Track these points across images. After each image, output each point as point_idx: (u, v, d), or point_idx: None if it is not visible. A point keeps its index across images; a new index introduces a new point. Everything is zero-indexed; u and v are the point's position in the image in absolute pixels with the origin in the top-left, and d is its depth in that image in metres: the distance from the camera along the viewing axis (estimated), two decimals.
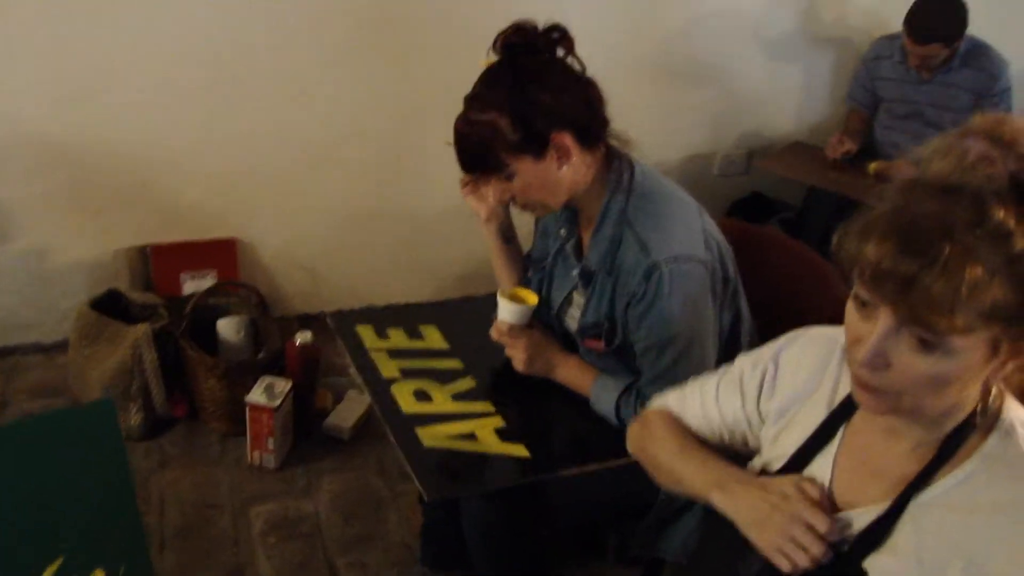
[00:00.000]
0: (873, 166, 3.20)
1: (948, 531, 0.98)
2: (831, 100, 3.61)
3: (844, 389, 1.12)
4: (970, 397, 0.96)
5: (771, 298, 1.75)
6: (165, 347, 2.43)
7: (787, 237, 1.98)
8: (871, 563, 1.02)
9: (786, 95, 3.54)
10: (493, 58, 1.51)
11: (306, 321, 2.93)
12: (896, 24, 3.15)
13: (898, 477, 1.03)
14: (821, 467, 1.11)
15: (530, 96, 1.46)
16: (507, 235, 1.84)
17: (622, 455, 1.40)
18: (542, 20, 1.52)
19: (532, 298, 1.72)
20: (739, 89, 3.42)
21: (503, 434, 1.59)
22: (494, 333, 1.72)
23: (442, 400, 1.67)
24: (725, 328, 1.62)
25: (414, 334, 1.87)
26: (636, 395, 1.60)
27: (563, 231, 1.71)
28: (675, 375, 1.52)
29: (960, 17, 2.99)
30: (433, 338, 1.86)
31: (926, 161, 0.91)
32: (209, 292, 2.51)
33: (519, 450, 1.55)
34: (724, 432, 1.27)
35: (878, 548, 1.02)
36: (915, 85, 3.21)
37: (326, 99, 2.78)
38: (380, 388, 1.69)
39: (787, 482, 1.10)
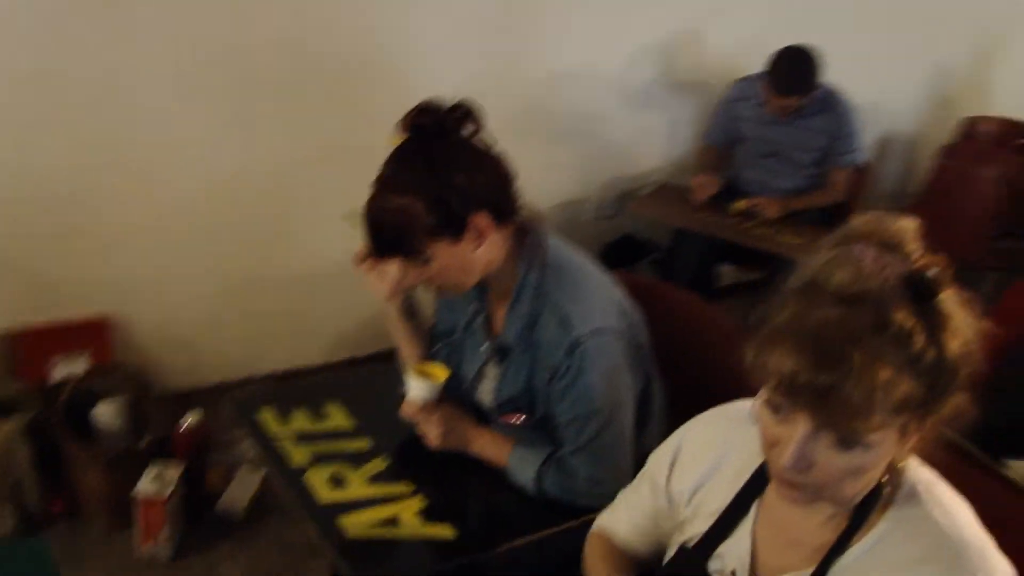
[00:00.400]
0: (737, 205, 3.37)
1: None
2: (694, 140, 3.77)
3: (751, 463, 1.16)
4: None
5: (664, 347, 1.80)
6: (39, 440, 2.28)
7: (663, 283, 2.08)
8: None
9: (652, 138, 3.68)
10: (399, 138, 1.50)
11: (189, 398, 2.80)
12: (750, 67, 3.34)
13: (816, 546, 1.08)
14: (739, 540, 1.16)
15: (444, 179, 1.45)
16: (410, 311, 1.82)
17: (549, 524, 1.40)
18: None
19: (442, 373, 1.70)
20: (607, 136, 3.53)
21: (426, 514, 1.56)
22: (405, 411, 1.69)
23: (358, 484, 1.62)
24: (638, 391, 1.65)
25: (318, 414, 1.82)
26: (558, 465, 1.60)
27: (471, 306, 1.71)
28: (598, 446, 1.55)
29: (816, 69, 3.19)
30: (338, 417, 1.81)
31: (823, 272, 0.95)
32: (83, 376, 2.37)
33: (445, 531, 1.53)
34: (652, 530, 1.32)
35: None
36: (774, 126, 3.39)
37: (202, 162, 2.69)
38: (293, 478, 1.63)
39: None
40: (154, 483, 2.17)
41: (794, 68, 3.19)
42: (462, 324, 1.75)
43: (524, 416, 1.64)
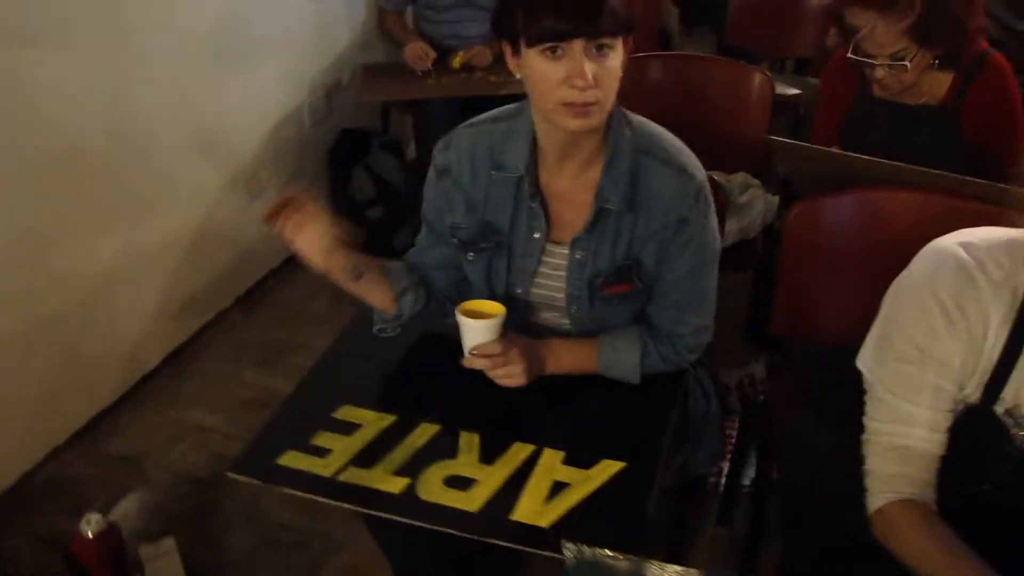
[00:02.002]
0: (457, 60, 3.23)
1: None
2: (368, 13, 3.50)
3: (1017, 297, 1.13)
4: None
5: None
6: None
7: None
8: None
9: (330, 23, 3.34)
10: None
11: None
12: None
13: None
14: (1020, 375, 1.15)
15: None
16: (358, 272, 1.51)
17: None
18: None
19: (496, 307, 1.46)
20: (293, 36, 3.13)
21: (572, 460, 1.35)
22: (475, 361, 1.44)
23: (475, 469, 1.34)
24: None
25: (340, 427, 1.46)
26: (657, 333, 1.52)
27: (511, 193, 1.48)
28: (708, 292, 1.52)
29: None
30: (364, 417, 1.48)
31: None
32: None
33: (611, 467, 1.34)
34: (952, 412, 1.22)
35: None
36: None
37: None
38: (412, 505, 1.29)
39: None
40: None
41: None
42: (507, 215, 1.50)
43: (632, 285, 1.50)
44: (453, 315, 1.48)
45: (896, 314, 1.22)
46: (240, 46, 2.83)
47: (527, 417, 1.47)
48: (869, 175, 1.78)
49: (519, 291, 1.55)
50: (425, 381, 1.58)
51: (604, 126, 1.42)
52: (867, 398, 1.25)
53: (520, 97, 3.06)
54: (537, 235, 1.49)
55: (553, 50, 1.28)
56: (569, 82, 1.28)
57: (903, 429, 1.20)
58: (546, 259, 1.52)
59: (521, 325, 1.57)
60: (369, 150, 3.34)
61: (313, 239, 1.43)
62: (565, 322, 1.58)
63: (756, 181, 2.50)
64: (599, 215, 1.45)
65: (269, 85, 3.02)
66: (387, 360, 1.63)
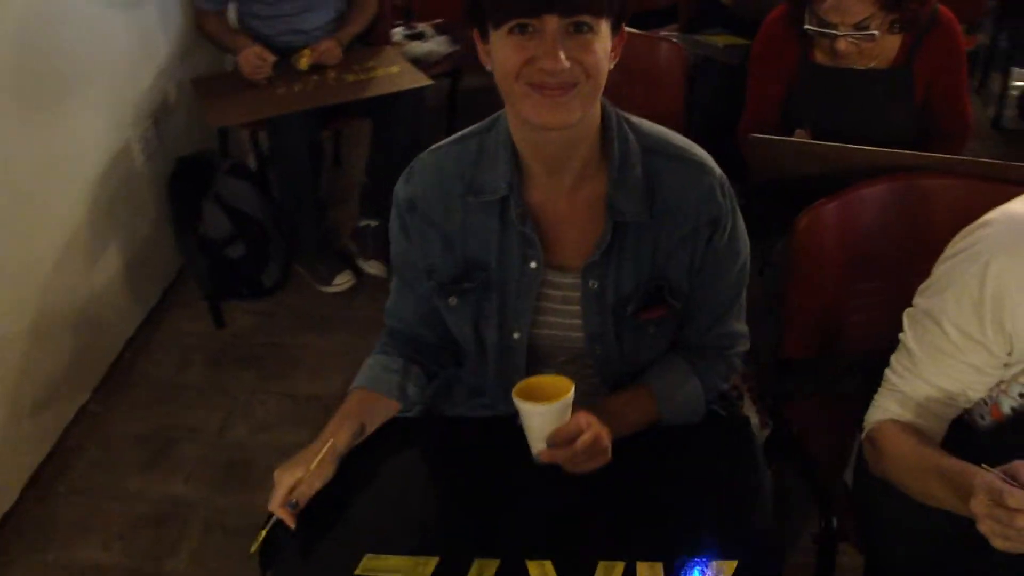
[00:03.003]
0: (303, 61, 2.79)
1: None
2: (186, 17, 2.96)
3: None
4: None
5: None
6: None
7: None
8: None
9: (148, 40, 2.77)
10: None
11: None
12: None
13: None
14: None
15: None
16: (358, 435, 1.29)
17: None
18: None
19: (558, 381, 1.16)
20: (112, 62, 2.57)
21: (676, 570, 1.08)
22: (552, 454, 1.14)
23: None
24: None
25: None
26: (702, 354, 1.33)
27: (512, 206, 1.22)
28: (744, 298, 1.33)
29: None
30: (398, 566, 1.11)
31: None
32: None
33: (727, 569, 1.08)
34: (955, 399, 1.21)
35: None
36: None
37: None
38: None
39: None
40: None
41: None
42: (492, 246, 1.24)
43: (670, 305, 1.27)
44: (458, 396, 1.29)
45: (952, 284, 1.15)
46: (44, 79, 2.26)
47: (599, 526, 1.18)
48: (853, 163, 1.65)
49: (517, 336, 1.28)
50: (462, 501, 1.24)
51: (597, 129, 1.20)
52: (902, 336, 1.23)
53: (408, 99, 2.74)
54: (533, 264, 1.24)
55: (522, 28, 1.07)
56: (538, 63, 1.07)
57: (912, 383, 1.20)
58: (549, 292, 1.27)
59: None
60: (213, 177, 2.84)
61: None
62: (586, 370, 1.32)
63: None
64: (616, 232, 1.21)
65: (86, 120, 2.44)
66: (405, 481, 1.28)
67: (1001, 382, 1.18)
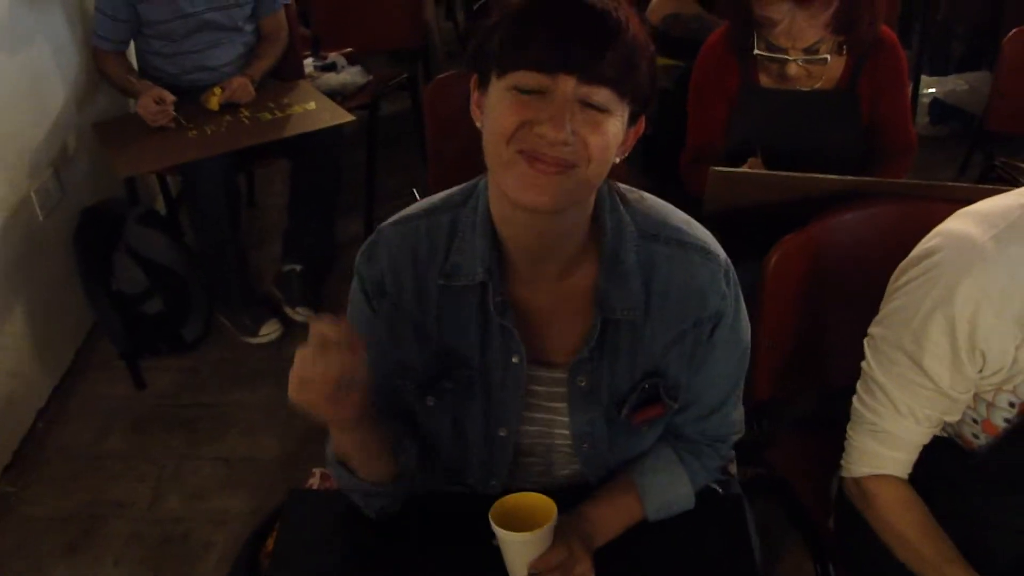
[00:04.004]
0: (211, 103, 2.66)
1: None
2: (81, 55, 2.77)
3: None
4: None
5: None
6: None
7: None
8: None
9: (48, 86, 2.59)
10: None
11: None
12: None
13: None
14: None
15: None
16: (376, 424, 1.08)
17: None
18: None
19: (541, 498, 1.05)
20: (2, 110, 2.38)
21: None
22: None
23: None
24: None
25: None
26: (694, 448, 1.20)
27: (491, 295, 1.07)
28: (740, 388, 1.21)
29: None
30: None
31: None
32: None
33: None
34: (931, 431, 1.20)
35: None
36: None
37: None
38: None
39: None
40: None
41: None
42: (473, 337, 1.10)
43: (665, 405, 1.15)
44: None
45: (916, 313, 1.13)
46: None
47: None
48: (815, 191, 1.60)
49: (504, 433, 1.16)
50: None
51: (589, 215, 1.06)
52: (864, 364, 1.22)
53: (326, 136, 2.62)
54: (515, 359, 1.10)
55: (529, 87, 0.92)
56: (536, 128, 0.92)
57: (892, 419, 1.18)
58: (534, 387, 1.14)
59: (513, 471, 1.19)
60: (123, 228, 2.65)
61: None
62: (572, 457, 1.20)
63: None
64: (606, 328, 1.09)
65: None
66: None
67: (981, 397, 1.16)
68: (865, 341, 1.22)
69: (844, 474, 1.26)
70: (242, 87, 2.69)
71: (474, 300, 1.08)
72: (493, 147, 0.96)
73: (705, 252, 1.10)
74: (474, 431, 1.15)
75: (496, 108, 0.95)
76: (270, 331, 2.70)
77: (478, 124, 1.00)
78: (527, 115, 0.92)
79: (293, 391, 0.96)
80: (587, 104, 0.92)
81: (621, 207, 1.09)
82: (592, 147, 0.93)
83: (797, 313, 1.50)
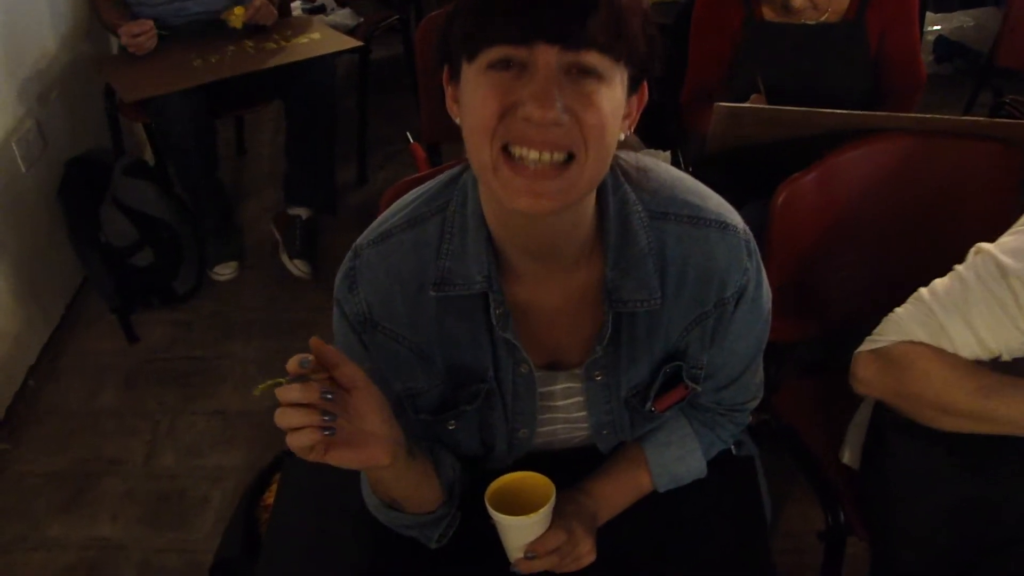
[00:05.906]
0: (237, 18, 2.60)
1: None
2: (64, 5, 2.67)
3: None
4: None
5: None
6: None
7: None
8: None
9: (30, 28, 2.50)
10: None
11: None
12: None
13: None
14: None
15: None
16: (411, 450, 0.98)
17: None
18: None
19: (538, 478, 1.02)
20: None
21: None
22: (537, 564, 1.01)
23: None
24: None
25: None
26: (714, 418, 1.15)
27: (494, 316, 0.97)
28: (760, 357, 1.13)
29: None
30: None
31: None
32: None
33: None
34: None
35: None
36: None
37: None
38: None
39: None
40: None
41: None
42: (484, 348, 1.01)
43: (685, 389, 1.08)
44: None
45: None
46: None
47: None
48: (821, 127, 1.54)
49: (523, 433, 1.10)
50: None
51: (594, 202, 0.94)
52: (961, 268, 1.12)
53: (319, 73, 2.55)
54: (524, 369, 1.03)
55: (505, 63, 0.79)
56: (521, 111, 0.79)
57: (956, 325, 1.09)
58: (549, 390, 1.07)
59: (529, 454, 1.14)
60: (110, 179, 2.59)
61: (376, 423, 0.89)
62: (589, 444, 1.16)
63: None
64: (618, 321, 1.00)
65: None
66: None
67: None
68: (977, 248, 1.12)
69: (871, 346, 1.16)
70: (264, 6, 2.63)
71: (476, 308, 0.98)
72: (475, 147, 0.83)
73: (722, 226, 0.98)
74: (497, 434, 1.09)
75: (472, 97, 0.82)
76: (224, 273, 2.72)
77: (456, 120, 0.88)
78: (508, 98, 0.79)
79: (290, 442, 0.84)
80: (578, 71, 0.79)
81: (625, 185, 0.97)
82: (587, 127, 0.80)
83: (804, 254, 1.45)
